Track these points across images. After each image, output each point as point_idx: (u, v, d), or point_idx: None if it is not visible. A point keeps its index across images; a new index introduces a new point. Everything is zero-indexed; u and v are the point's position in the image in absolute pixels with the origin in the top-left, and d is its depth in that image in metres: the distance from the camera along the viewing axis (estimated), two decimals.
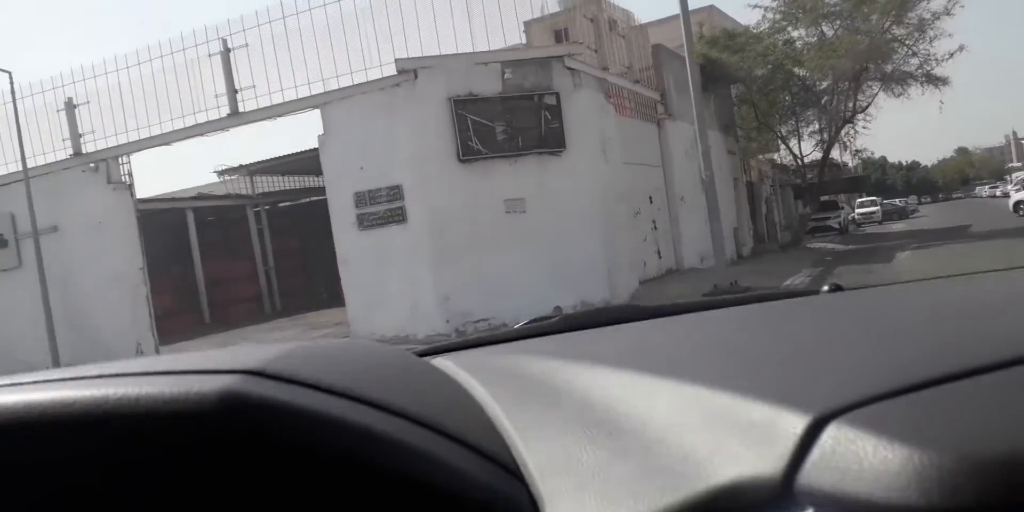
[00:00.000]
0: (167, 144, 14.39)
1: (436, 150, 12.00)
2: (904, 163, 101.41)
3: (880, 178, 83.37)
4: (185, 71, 13.83)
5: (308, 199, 24.15)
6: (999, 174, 77.29)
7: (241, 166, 23.29)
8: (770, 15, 22.20)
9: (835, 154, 25.34)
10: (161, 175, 55.74)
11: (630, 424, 0.61)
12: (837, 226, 29.85)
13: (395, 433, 0.55)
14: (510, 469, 0.60)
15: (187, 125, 13.98)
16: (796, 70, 22.56)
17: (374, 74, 12.36)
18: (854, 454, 0.47)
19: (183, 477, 0.53)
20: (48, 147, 15.16)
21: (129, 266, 14.40)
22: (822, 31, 22.01)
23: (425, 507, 0.54)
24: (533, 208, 12.20)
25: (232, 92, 13.61)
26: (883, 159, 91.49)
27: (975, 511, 0.42)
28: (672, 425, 0.59)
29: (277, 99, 13.14)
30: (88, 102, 14.82)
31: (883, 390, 0.54)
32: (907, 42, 21.01)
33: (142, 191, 18.65)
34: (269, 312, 22.93)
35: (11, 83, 14.65)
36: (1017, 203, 27.64)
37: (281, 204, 25.88)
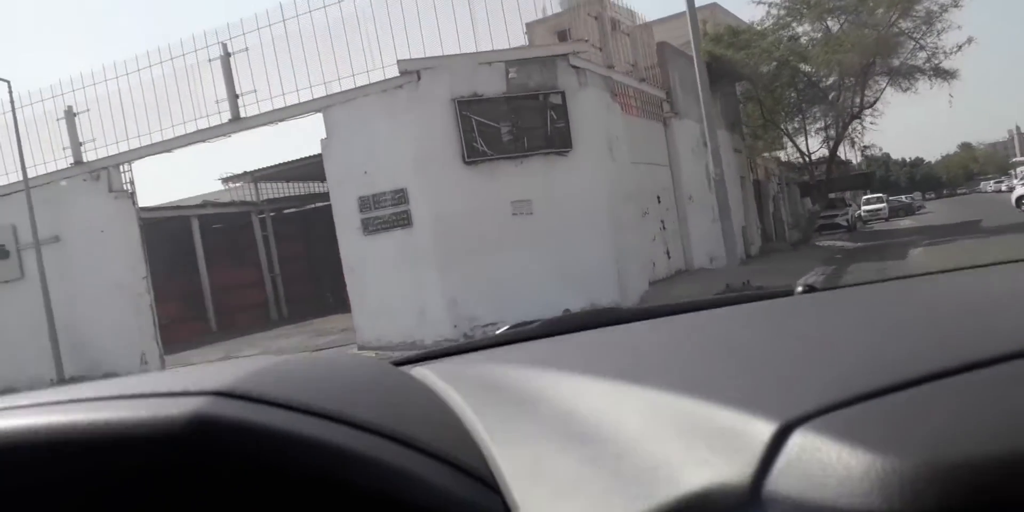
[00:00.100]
0: (168, 151, 14.24)
1: (440, 152, 11.84)
2: (907, 159, 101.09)
3: (884, 175, 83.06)
4: (185, 77, 13.68)
5: (313, 205, 24.20)
6: (1004, 169, 76.94)
7: (246, 173, 23.37)
8: (774, 11, 22.07)
9: (842, 151, 25.16)
10: (164, 183, 55.86)
11: (604, 432, 0.62)
12: (845, 223, 29.69)
13: (369, 451, 0.55)
14: (485, 480, 0.60)
15: (188, 131, 13.83)
16: (802, 66, 22.36)
17: (376, 76, 12.21)
18: (819, 461, 0.48)
19: (156, 502, 0.52)
20: (48, 156, 15.03)
21: (132, 275, 14.26)
22: (827, 26, 21.82)
23: None
24: (540, 209, 12.02)
25: (233, 97, 13.45)
26: (886, 156, 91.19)
27: None
28: (644, 433, 0.60)
29: (279, 103, 12.98)
30: (88, 110, 14.67)
31: (847, 396, 0.56)
32: (914, 35, 20.80)
33: (145, 200, 18.62)
34: (276, 319, 22.99)
35: (10, 92, 14.55)
36: (1020, 198, 27.41)
37: (286, 210, 25.98)
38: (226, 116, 13.52)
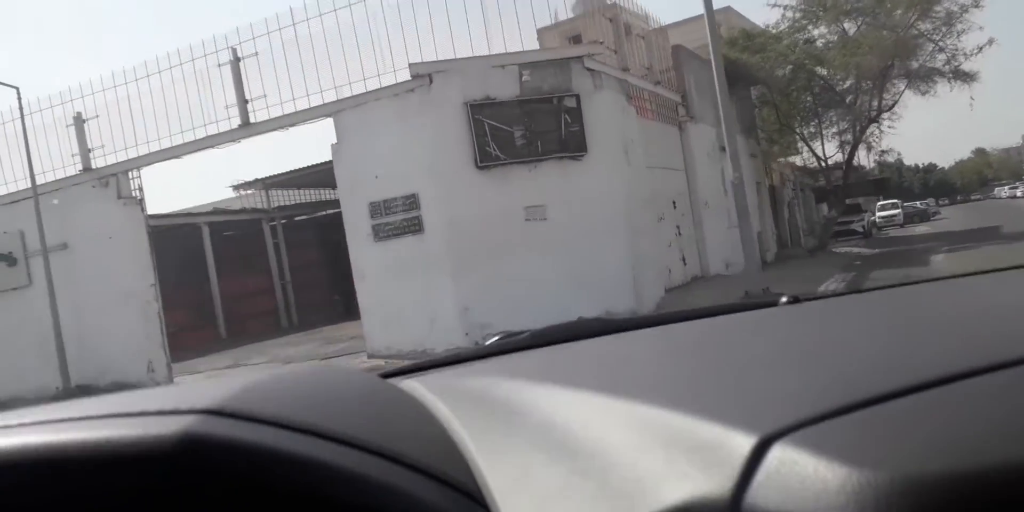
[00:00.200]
0: (177, 157, 14.11)
1: (453, 157, 11.64)
2: (920, 165, 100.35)
3: (897, 180, 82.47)
4: (195, 82, 13.54)
5: (324, 212, 24.14)
6: (1018, 175, 76.36)
7: (257, 180, 23.41)
8: (789, 14, 21.78)
9: (857, 156, 24.73)
10: (173, 190, 55.89)
11: (589, 445, 0.63)
12: (861, 229, 29.40)
13: (356, 467, 0.55)
14: (472, 495, 0.60)
15: (198, 137, 13.67)
16: (818, 70, 22.05)
17: (387, 80, 12.04)
18: (797, 474, 0.49)
19: None
20: (57, 163, 14.92)
21: (140, 282, 14.10)
22: (844, 29, 21.51)
23: None
24: (554, 215, 11.79)
25: (243, 102, 13.30)
26: (899, 161, 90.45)
27: None
28: (628, 446, 0.60)
29: (289, 108, 12.83)
30: (97, 116, 14.55)
31: (825, 410, 0.57)
32: (934, 37, 20.45)
33: (155, 206, 18.57)
34: (286, 326, 22.96)
35: (19, 99, 14.43)
36: None
37: (297, 218, 26.01)
38: (236, 121, 13.37)
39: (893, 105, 22.13)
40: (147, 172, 14.74)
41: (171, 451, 0.52)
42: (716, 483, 0.51)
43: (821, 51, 21.65)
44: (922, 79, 21.39)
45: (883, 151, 24.46)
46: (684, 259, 15.79)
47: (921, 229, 33.83)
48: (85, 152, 14.74)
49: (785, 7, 21.64)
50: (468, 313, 11.52)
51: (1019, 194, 61.04)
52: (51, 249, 14.19)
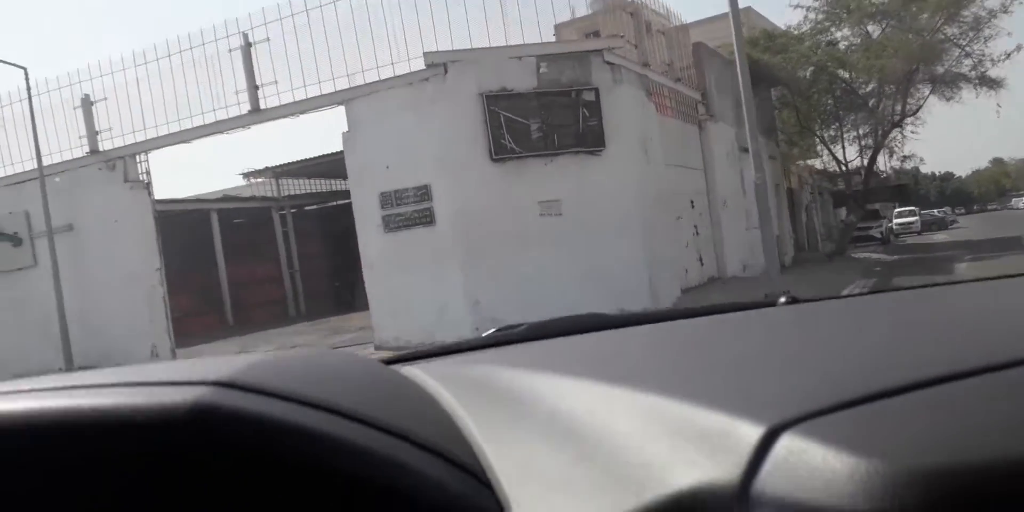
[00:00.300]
0: (186, 142, 13.91)
1: (467, 148, 11.37)
2: (937, 173, 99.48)
3: (914, 188, 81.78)
4: (205, 67, 13.33)
5: (334, 202, 24.00)
6: None
7: (267, 168, 23.32)
8: (812, 15, 21.37)
9: (878, 161, 24.28)
10: (181, 175, 55.85)
11: (594, 432, 0.62)
12: (879, 235, 29.01)
13: (364, 442, 0.56)
14: (478, 476, 0.60)
15: (207, 122, 13.46)
16: (840, 72, 21.65)
17: (401, 69, 11.81)
18: (806, 463, 0.49)
19: (154, 489, 0.52)
20: (64, 145, 14.80)
21: (146, 266, 13.93)
22: (867, 31, 21.11)
23: None
24: (569, 210, 11.50)
25: (253, 88, 13.08)
26: (915, 169, 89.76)
27: None
28: (633, 433, 0.60)
29: (300, 95, 12.63)
30: (105, 99, 14.39)
31: (833, 402, 0.57)
32: (960, 42, 20.01)
33: (163, 192, 18.38)
34: (294, 315, 22.90)
35: (27, 79, 14.28)
36: None
37: (307, 207, 25.95)
38: (245, 107, 13.18)
39: (917, 110, 21.69)
40: (155, 157, 14.61)
41: (182, 419, 0.52)
42: (724, 470, 0.51)
43: (844, 53, 21.24)
44: (947, 84, 20.93)
45: (905, 156, 23.98)
46: (701, 259, 15.47)
47: (940, 237, 33.44)
48: (92, 134, 14.57)
49: (808, 8, 21.23)
50: (478, 307, 11.25)
51: None
52: (56, 230, 14.06)
